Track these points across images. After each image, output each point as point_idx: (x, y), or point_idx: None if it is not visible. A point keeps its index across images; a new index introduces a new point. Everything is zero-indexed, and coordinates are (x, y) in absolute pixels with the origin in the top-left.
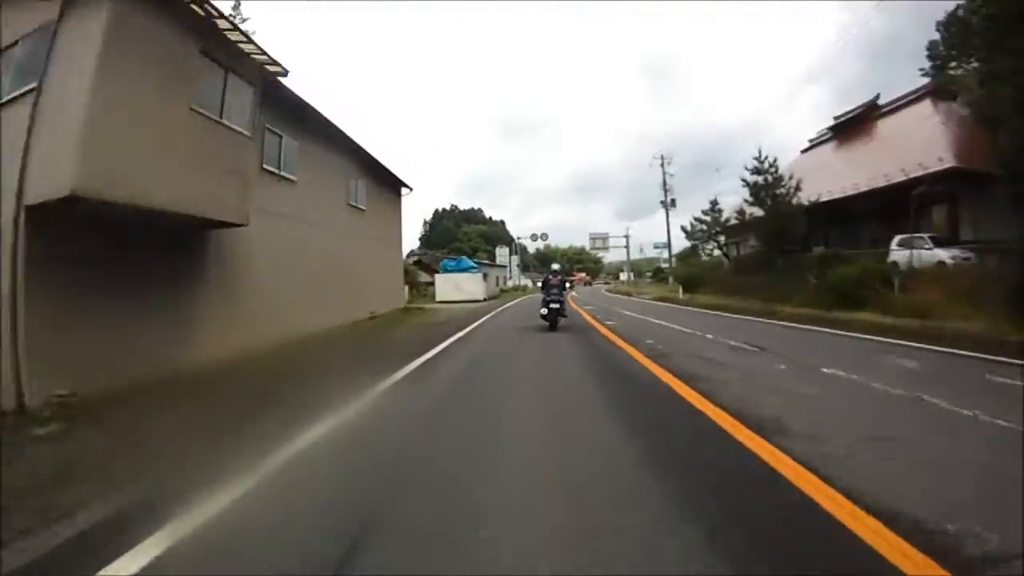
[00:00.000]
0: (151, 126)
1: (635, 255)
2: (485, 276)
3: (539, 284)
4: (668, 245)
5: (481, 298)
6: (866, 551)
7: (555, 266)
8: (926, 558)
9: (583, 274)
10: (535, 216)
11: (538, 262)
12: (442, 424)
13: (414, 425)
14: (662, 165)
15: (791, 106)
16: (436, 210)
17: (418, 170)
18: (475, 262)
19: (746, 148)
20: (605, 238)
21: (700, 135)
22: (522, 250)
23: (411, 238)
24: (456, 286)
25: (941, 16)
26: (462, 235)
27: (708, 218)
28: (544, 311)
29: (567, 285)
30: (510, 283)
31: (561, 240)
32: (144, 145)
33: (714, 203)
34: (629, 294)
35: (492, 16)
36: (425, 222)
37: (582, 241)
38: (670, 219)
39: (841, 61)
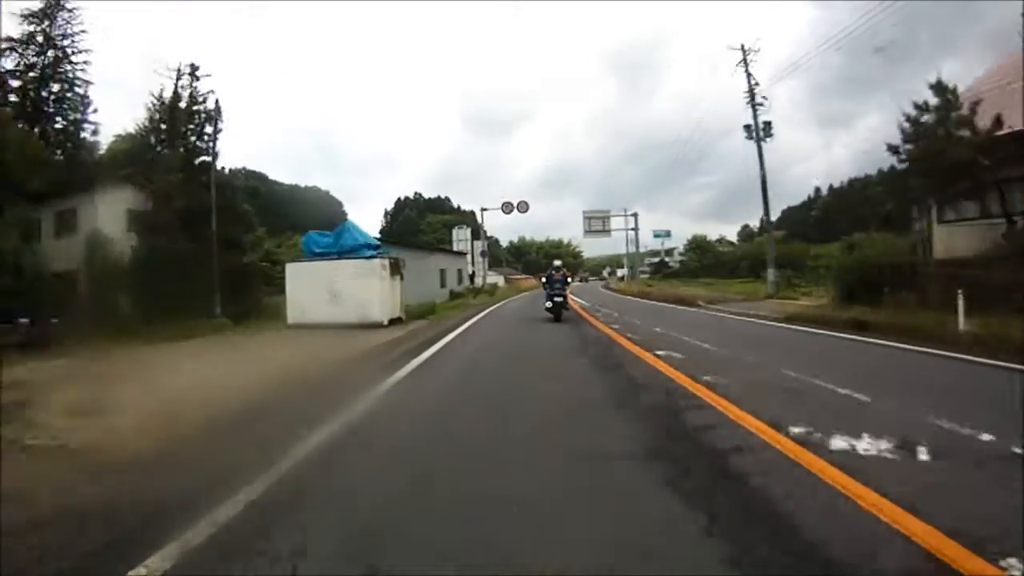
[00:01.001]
0: None
1: (612, 250)
2: (396, 266)
3: (543, 280)
4: (763, 191)
5: (383, 318)
6: None
7: (557, 263)
8: None
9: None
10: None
11: (513, 257)
12: None
13: None
14: (744, 61)
15: (767, 100)
16: (398, 199)
17: (388, 164)
18: (376, 238)
19: (724, 143)
20: (605, 217)
21: (676, 130)
22: (493, 244)
23: (370, 231)
24: (329, 289)
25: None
26: (425, 225)
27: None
28: (549, 304)
29: (567, 281)
30: (477, 281)
31: (536, 236)
32: None
33: (943, 86)
34: (687, 302)
35: (467, 9)
36: (386, 212)
37: (556, 236)
38: (761, 151)
39: (820, 57)
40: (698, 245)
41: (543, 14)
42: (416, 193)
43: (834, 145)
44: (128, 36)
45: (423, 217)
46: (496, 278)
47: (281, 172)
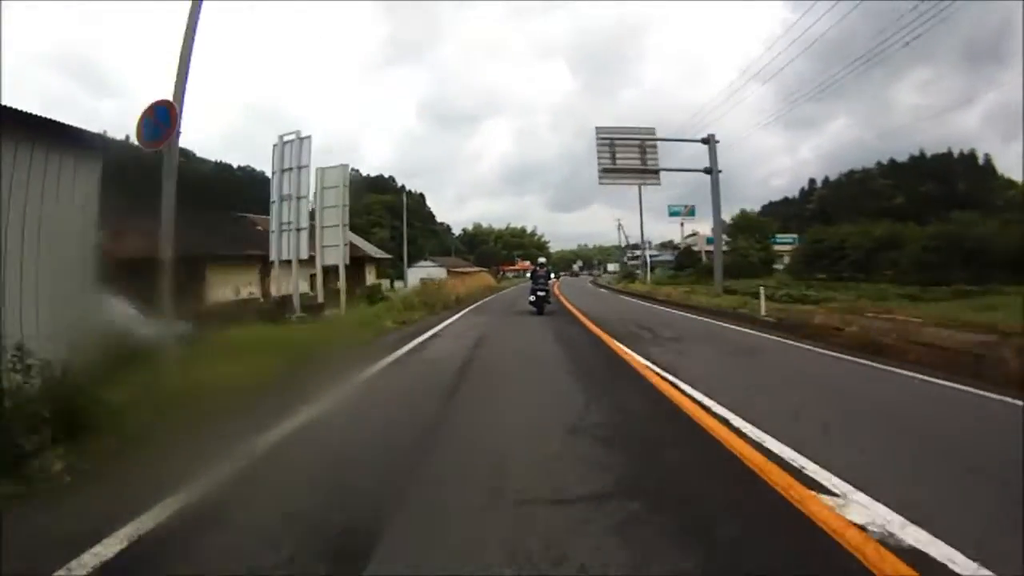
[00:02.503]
0: None
1: (571, 242)
2: None
3: (528, 276)
4: None
5: None
6: None
7: (541, 260)
8: None
9: (528, 263)
10: (469, 207)
11: (465, 246)
12: None
13: None
14: None
15: (735, 103)
16: None
17: (350, 159)
18: None
19: (689, 145)
20: (646, 143)
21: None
22: (443, 231)
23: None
24: None
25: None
26: (360, 206)
27: None
28: (532, 298)
29: (551, 277)
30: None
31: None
32: None
33: None
34: None
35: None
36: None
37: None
38: None
39: (788, 61)
40: (747, 225)
41: (508, 8)
42: (354, 170)
43: (801, 147)
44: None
45: (360, 198)
46: (435, 271)
47: (237, 157)
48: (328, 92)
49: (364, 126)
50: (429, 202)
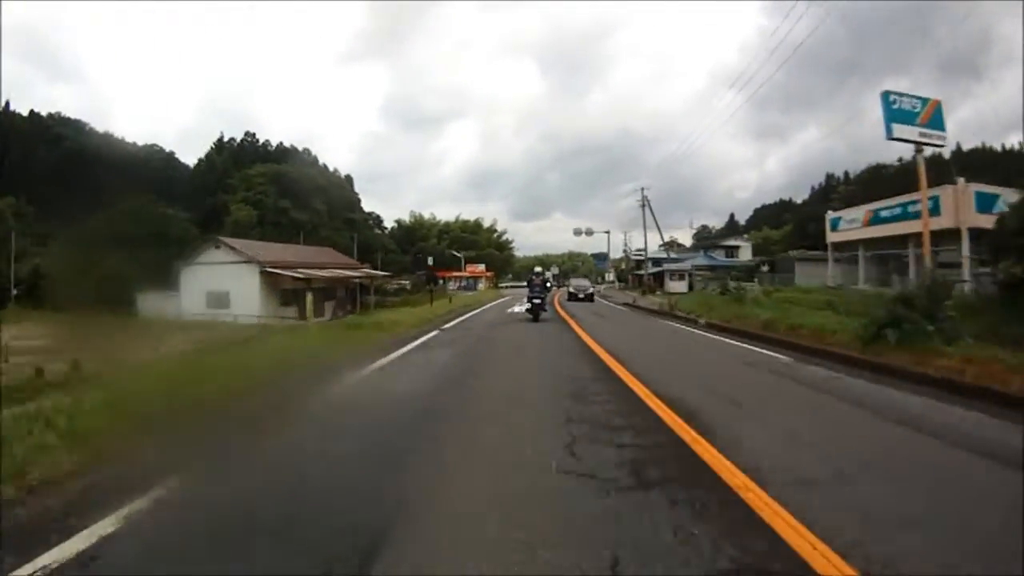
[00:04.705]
0: None
1: (530, 251)
2: None
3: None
4: None
5: None
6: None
7: (537, 268)
8: None
9: (482, 267)
10: (429, 213)
11: (400, 245)
12: None
13: None
14: None
15: (706, 110)
16: (220, 139)
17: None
18: None
19: (654, 151)
20: None
21: (604, 137)
22: (368, 223)
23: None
24: None
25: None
26: (239, 179)
27: None
28: (528, 306)
29: (548, 286)
30: None
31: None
32: None
33: None
34: None
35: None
36: (199, 161)
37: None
38: None
39: (762, 68)
40: None
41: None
42: (249, 134)
43: (769, 157)
44: None
45: (239, 166)
46: (236, 272)
47: (187, 153)
48: (284, 87)
49: (321, 126)
50: (388, 211)
